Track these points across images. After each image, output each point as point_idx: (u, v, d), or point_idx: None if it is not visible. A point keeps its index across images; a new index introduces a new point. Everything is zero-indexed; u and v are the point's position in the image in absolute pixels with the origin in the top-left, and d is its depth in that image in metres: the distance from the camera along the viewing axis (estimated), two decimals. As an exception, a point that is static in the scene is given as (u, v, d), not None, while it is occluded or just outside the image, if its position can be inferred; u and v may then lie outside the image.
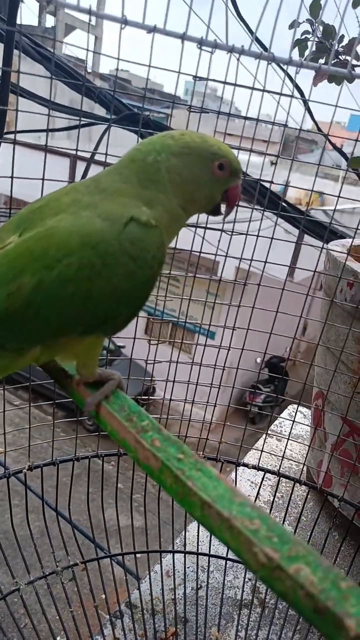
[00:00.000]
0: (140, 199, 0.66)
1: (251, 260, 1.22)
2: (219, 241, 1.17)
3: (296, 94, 1.20)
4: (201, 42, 0.91)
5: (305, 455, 1.70)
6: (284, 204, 1.79)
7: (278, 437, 2.00)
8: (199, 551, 1.42)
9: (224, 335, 1.31)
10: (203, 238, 1.19)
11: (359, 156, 1.28)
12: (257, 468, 1.41)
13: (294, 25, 1.05)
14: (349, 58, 1.30)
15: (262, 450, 1.55)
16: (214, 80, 1.02)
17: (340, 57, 1.44)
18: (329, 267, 1.41)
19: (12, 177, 0.97)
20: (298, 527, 1.53)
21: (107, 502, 1.27)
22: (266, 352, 1.34)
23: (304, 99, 1.33)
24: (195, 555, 1.43)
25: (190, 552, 1.44)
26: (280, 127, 1.15)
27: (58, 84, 1.31)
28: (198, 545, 1.42)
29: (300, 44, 1.46)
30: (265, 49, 1.17)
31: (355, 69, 1.21)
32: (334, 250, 1.41)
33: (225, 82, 1.04)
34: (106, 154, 1.05)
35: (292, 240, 1.49)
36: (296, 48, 1.45)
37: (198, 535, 1.43)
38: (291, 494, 1.45)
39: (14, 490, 1.17)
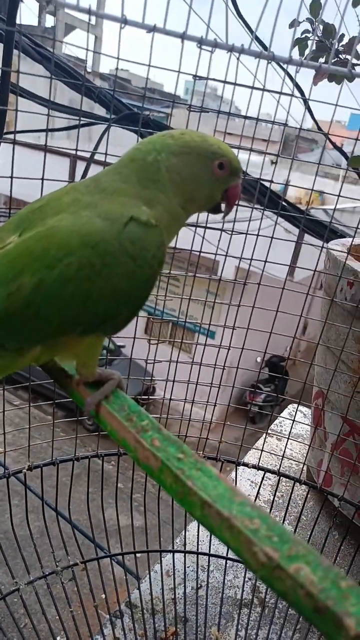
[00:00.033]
0: (140, 199, 0.66)
1: (251, 259, 1.22)
2: (219, 240, 1.17)
3: (296, 93, 1.20)
4: (201, 42, 0.91)
5: (305, 455, 1.70)
6: (284, 203, 1.79)
7: (278, 437, 2.00)
8: (199, 551, 1.42)
9: (224, 334, 1.31)
10: (203, 237, 1.19)
11: (359, 155, 1.28)
12: (257, 467, 1.41)
13: (294, 24, 1.05)
14: (349, 57, 1.30)
15: (262, 450, 1.55)
16: (213, 79, 1.02)
17: (340, 56, 1.43)
18: (329, 266, 1.41)
19: (11, 177, 0.97)
20: (298, 527, 1.53)
21: (107, 502, 1.27)
22: (266, 351, 1.34)
23: (304, 98, 1.33)
24: (195, 555, 1.43)
25: (190, 552, 1.44)
26: (281, 126, 1.15)
27: (58, 84, 1.31)
28: (198, 544, 1.42)
29: (300, 43, 1.45)
30: (265, 48, 1.17)
31: (355, 68, 1.21)
32: (334, 250, 1.41)
33: (225, 82, 1.04)
34: (106, 154, 1.05)
35: (292, 239, 1.49)
36: (296, 47, 1.45)
37: (198, 535, 1.43)
38: (291, 493, 1.45)
39: (14, 490, 1.17)
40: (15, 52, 1.02)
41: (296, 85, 1.21)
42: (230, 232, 1.17)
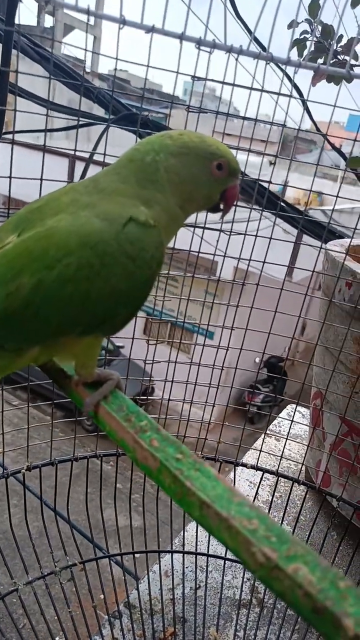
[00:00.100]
0: (139, 199, 0.66)
1: (250, 260, 1.22)
2: (217, 241, 1.17)
3: (295, 93, 1.20)
4: (200, 42, 0.91)
5: (303, 455, 1.70)
6: (282, 203, 1.79)
7: (277, 437, 2.00)
8: (198, 551, 1.42)
9: (222, 335, 1.31)
10: (202, 238, 1.19)
11: (358, 156, 1.28)
12: (255, 468, 1.41)
13: (292, 25, 1.05)
14: (347, 58, 1.30)
15: (260, 450, 1.55)
16: (212, 80, 1.02)
17: (338, 57, 1.44)
18: (327, 267, 1.41)
19: (10, 177, 0.97)
20: (296, 527, 1.53)
21: (106, 502, 1.27)
22: (265, 351, 1.34)
23: (303, 99, 1.33)
24: (194, 555, 1.43)
25: (188, 552, 1.44)
26: (279, 127, 1.15)
27: (57, 84, 1.31)
28: (197, 545, 1.42)
29: (298, 43, 1.45)
30: (263, 48, 1.17)
31: (353, 68, 1.21)
32: (332, 250, 1.41)
33: (223, 82, 1.04)
34: (105, 154, 1.05)
35: (290, 240, 1.49)
36: (295, 48, 1.45)
37: (197, 535, 1.43)
38: (290, 493, 1.45)
39: (13, 491, 1.17)
40: (14, 52, 1.02)
41: (295, 86, 1.21)
42: (228, 233, 1.17)
